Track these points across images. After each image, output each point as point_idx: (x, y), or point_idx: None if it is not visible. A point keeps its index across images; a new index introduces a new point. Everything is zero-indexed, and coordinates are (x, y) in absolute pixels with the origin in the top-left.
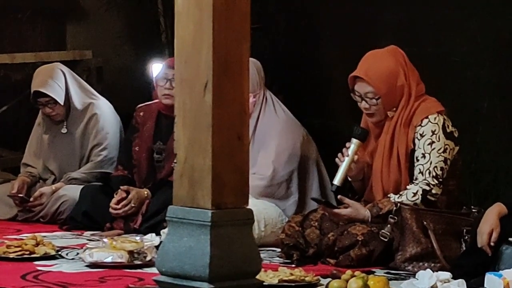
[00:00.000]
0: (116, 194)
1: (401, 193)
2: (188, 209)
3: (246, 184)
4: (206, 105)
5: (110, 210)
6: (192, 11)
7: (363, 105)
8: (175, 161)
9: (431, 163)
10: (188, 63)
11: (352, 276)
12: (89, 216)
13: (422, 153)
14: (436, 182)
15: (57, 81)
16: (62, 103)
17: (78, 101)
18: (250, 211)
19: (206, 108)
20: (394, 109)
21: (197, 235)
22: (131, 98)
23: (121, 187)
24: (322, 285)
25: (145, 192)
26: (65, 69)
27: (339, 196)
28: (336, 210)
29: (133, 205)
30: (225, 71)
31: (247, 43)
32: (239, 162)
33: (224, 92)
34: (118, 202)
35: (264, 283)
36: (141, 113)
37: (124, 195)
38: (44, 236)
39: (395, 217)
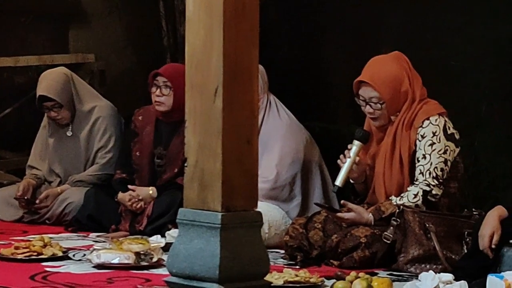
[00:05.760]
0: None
1: (402, 195)
2: (198, 212)
3: (255, 187)
4: (216, 110)
5: (127, 206)
6: (203, 17)
7: (367, 109)
8: (185, 164)
9: (431, 164)
10: (198, 69)
11: (357, 277)
12: (94, 219)
13: (423, 154)
14: (436, 182)
15: (62, 85)
16: (67, 107)
17: (83, 104)
18: (259, 213)
19: (216, 113)
20: (398, 113)
21: (207, 237)
22: (134, 101)
23: (129, 186)
24: (327, 286)
25: (150, 191)
26: (70, 73)
27: (342, 201)
28: (339, 214)
29: (142, 201)
30: (235, 76)
31: (256, 49)
32: (248, 166)
33: (234, 97)
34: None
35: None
36: (140, 117)
37: (135, 194)
38: (51, 238)
39: (398, 220)
